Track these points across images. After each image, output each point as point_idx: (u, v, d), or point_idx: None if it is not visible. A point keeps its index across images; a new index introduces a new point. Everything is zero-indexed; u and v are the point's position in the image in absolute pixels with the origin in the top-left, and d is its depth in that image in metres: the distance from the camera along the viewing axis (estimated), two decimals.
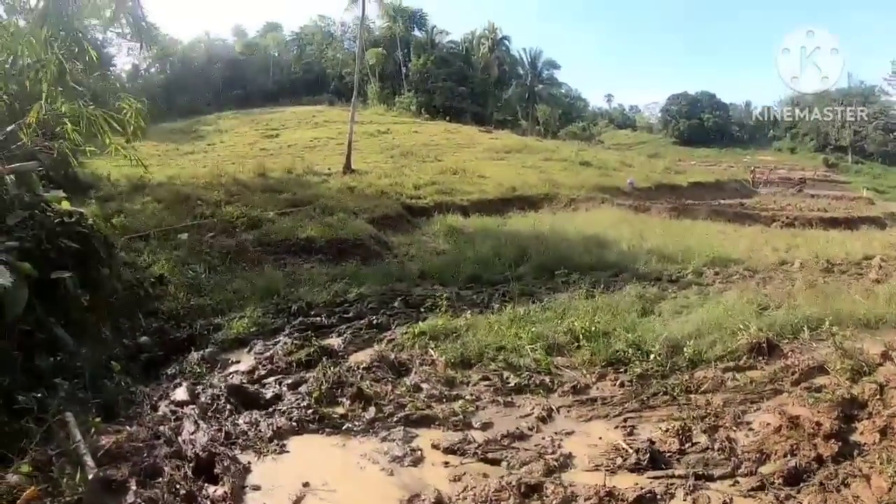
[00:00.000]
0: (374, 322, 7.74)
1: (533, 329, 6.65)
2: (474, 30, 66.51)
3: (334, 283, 9.33)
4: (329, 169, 27.62)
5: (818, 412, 4.69)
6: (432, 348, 6.46)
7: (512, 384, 5.62)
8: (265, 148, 32.51)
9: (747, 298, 7.95)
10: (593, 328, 6.38)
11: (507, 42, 65.50)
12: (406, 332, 7.06)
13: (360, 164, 29.33)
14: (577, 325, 6.49)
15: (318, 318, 7.85)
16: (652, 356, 5.84)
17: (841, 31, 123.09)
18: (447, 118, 53.85)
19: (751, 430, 4.69)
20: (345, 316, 8.07)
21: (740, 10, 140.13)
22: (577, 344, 6.29)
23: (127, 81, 30.99)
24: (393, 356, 6.32)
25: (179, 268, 9.46)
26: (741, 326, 6.46)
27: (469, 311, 7.87)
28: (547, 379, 5.68)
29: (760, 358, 5.97)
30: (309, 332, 7.23)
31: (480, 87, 62.05)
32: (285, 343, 6.74)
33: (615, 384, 5.55)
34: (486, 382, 5.71)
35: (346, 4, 30.02)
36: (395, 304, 8.69)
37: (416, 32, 64.99)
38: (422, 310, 8.21)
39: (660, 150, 70.66)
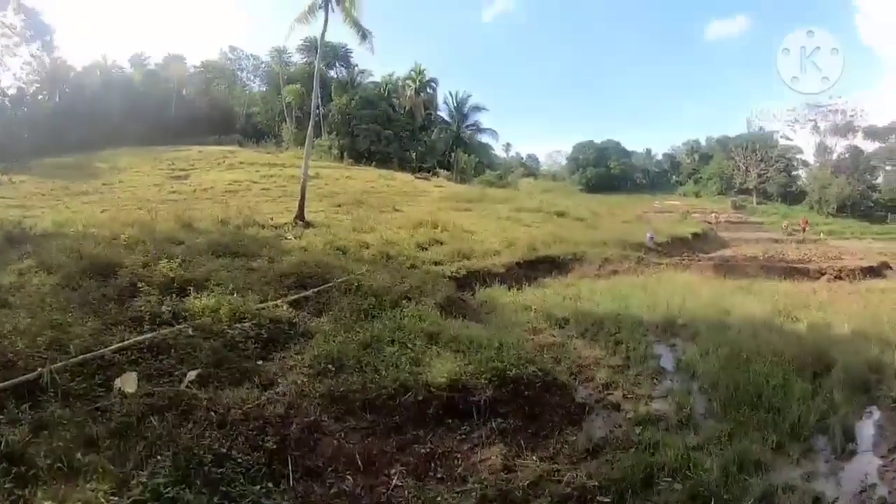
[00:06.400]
0: None
1: None
2: (392, 72, 62.26)
3: None
4: (271, 219, 20.89)
5: None
6: None
7: None
8: (175, 191, 24.98)
9: None
10: None
11: (434, 84, 61.65)
12: None
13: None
14: None
15: None
16: None
17: (739, 84, 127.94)
18: (372, 163, 48.60)
19: None
20: None
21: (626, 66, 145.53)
22: None
23: (10, 108, 22.86)
24: None
25: None
26: None
27: None
28: None
29: None
30: None
31: (405, 130, 57.28)
32: None
33: None
34: None
35: (297, 16, 23.49)
36: None
37: (335, 71, 59.50)
38: None
39: (569, 197, 70.10)
